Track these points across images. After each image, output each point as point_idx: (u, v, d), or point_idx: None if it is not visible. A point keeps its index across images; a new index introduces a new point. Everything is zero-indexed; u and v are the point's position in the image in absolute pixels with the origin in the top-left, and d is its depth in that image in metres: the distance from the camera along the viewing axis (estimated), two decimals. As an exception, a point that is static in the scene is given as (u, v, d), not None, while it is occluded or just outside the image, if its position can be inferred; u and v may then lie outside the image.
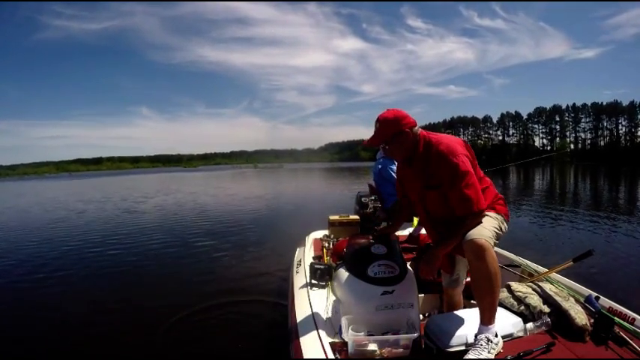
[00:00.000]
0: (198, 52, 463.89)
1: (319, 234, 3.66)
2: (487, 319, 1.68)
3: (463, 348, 1.68)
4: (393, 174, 3.45)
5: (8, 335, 3.36)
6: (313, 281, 2.40)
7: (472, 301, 2.24)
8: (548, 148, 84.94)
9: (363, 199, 3.61)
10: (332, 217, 3.56)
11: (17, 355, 3.04)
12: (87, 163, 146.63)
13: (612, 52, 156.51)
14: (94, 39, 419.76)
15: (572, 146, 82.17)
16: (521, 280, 2.49)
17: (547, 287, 2.10)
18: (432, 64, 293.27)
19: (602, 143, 79.02)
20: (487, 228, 1.74)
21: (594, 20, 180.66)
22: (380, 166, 3.61)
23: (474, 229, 1.71)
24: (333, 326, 1.94)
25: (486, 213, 1.81)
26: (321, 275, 2.39)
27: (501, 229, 1.85)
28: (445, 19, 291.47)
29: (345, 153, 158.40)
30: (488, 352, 1.60)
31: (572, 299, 2.00)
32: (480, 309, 1.70)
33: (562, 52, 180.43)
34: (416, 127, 1.87)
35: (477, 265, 1.65)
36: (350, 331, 1.72)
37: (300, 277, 2.60)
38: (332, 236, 3.44)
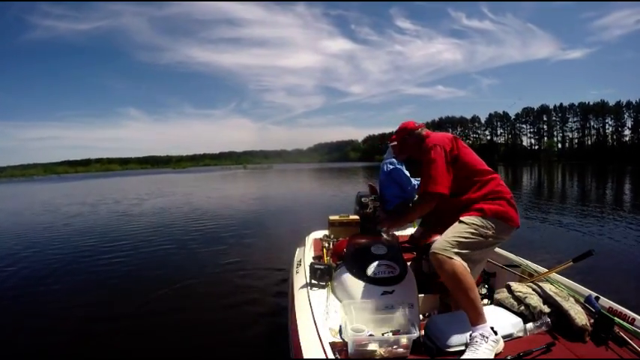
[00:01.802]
0: (187, 52, 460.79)
1: (319, 234, 3.63)
2: (474, 320, 1.70)
3: (463, 348, 1.67)
4: (403, 176, 3.40)
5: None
6: (313, 281, 2.38)
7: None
8: (536, 147, 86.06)
9: (363, 199, 3.56)
10: (332, 217, 3.52)
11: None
12: (75, 165, 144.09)
13: (599, 53, 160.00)
14: (82, 39, 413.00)
15: (559, 145, 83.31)
16: (521, 280, 2.48)
17: (547, 287, 2.10)
18: (420, 65, 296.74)
19: (589, 142, 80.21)
20: (447, 240, 1.85)
21: (581, 22, 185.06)
22: (391, 167, 3.47)
23: (436, 242, 1.86)
24: (333, 326, 1.93)
25: (461, 219, 1.91)
26: (321, 275, 2.37)
27: (479, 234, 1.89)
28: (433, 21, 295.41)
29: (335, 154, 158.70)
30: (486, 348, 1.60)
31: (572, 299, 2.00)
32: (465, 312, 1.75)
33: (549, 53, 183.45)
34: (418, 130, 2.26)
35: (441, 275, 1.82)
36: (350, 331, 1.71)
37: (300, 277, 2.58)
38: (332, 236, 3.40)
